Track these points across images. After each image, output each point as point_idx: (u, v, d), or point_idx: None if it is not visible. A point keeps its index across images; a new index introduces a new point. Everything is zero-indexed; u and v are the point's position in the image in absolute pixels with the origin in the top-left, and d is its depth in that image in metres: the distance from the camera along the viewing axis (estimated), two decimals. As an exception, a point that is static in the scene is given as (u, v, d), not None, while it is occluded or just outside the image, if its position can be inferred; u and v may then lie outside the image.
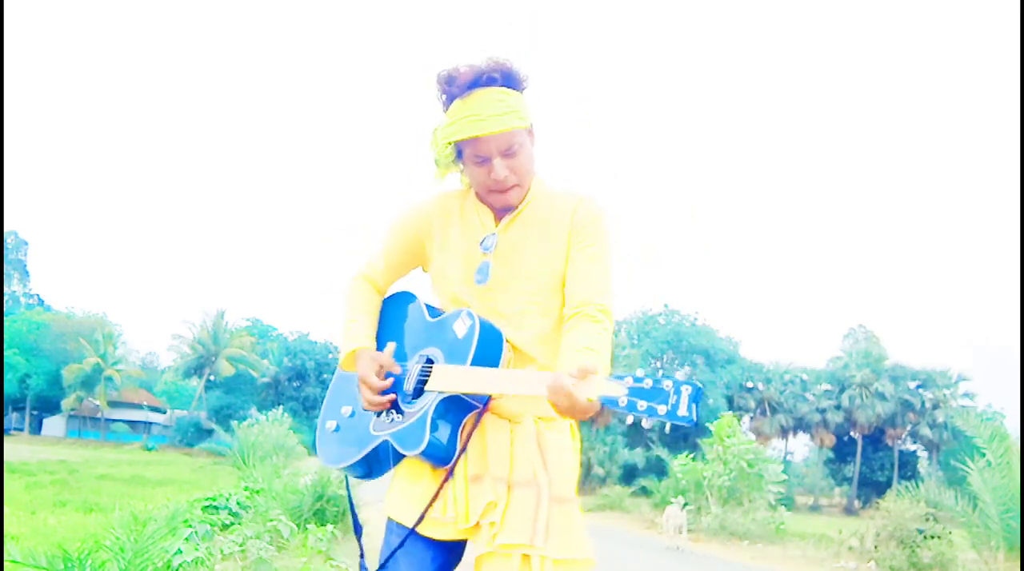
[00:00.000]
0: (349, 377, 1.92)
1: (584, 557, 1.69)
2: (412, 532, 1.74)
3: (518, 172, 1.77)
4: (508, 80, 1.76)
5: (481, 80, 1.73)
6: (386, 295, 2.00)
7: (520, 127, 1.76)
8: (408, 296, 2.00)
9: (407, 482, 1.79)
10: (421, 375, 1.79)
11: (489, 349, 1.74)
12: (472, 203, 1.88)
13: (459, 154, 1.83)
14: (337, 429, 1.93)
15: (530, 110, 1.82)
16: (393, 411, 1.80)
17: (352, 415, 1.90)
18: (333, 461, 1.91)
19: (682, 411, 1.40)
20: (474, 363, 1.70)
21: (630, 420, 1.49)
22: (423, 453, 1.70)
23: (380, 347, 1.88)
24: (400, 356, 1.87)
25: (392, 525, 1.79)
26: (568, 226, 1.82)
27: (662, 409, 1.40)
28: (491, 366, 1.72)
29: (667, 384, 1.42)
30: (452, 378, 1.72)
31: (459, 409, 1.76)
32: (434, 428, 1.70)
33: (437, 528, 1.73)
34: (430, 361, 1.80)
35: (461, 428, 1.76)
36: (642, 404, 1.42)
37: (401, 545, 1.76)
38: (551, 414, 1.69)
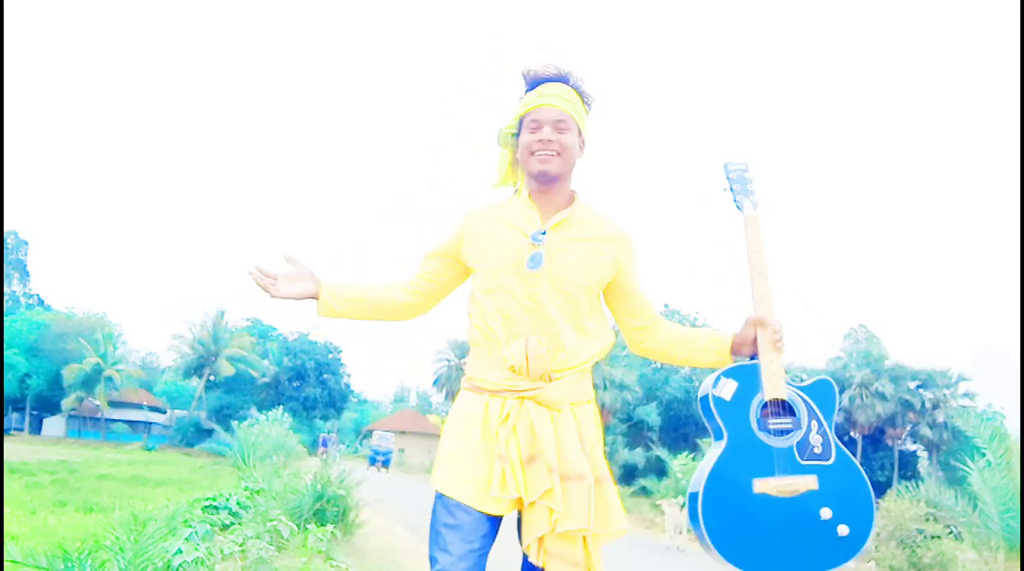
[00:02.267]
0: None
1: (620, 528, 2.00)
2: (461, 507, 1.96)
3: (562, 144, 2.07)
4: (578, 88, 2.14)
5: (556, 77, 2.13)
6: (415, 304, 2.25)
7: (574, 116, 2.10)
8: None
9: (459, 464, 1.99)
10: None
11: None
12: (520, 204, 2.14)
13: (518, 135, 2.15)
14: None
15: (587, 128, 2.16)
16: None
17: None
18: None
19: None
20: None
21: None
22: None
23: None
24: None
25: (447, 501, 1.98)
26: (614, 245, 2.13)
27: None
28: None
29: None
30: (772, 379, 2.14)
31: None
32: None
33: (494, 504, 1.94)
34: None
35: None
36: None
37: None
38: (580, 399, 2.05)
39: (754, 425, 2.09)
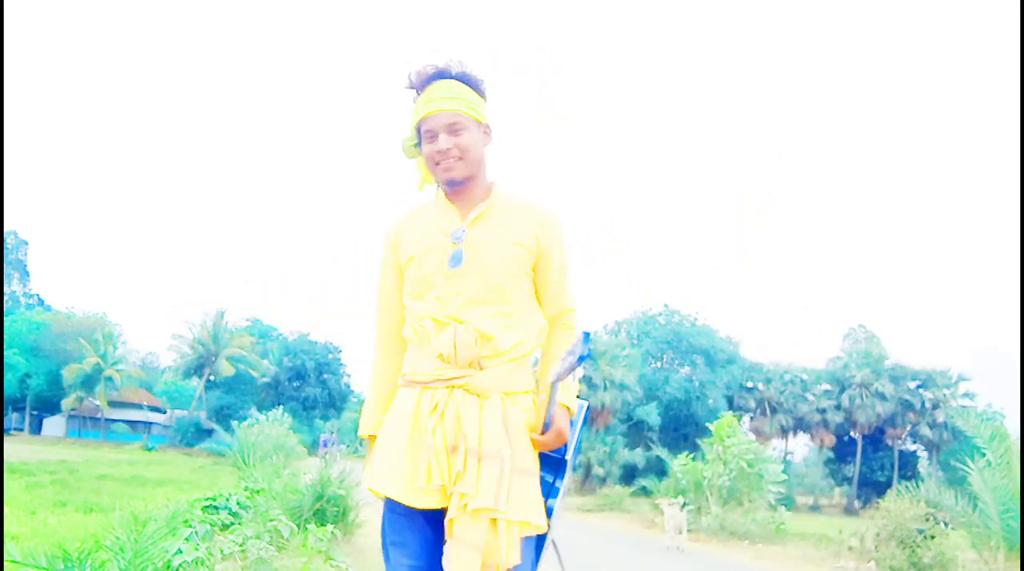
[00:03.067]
0: None
1: (538, 523, 1.94)
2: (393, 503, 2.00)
3: (461, 148, 2.06)
4: (464, 78, 2.10)
5: (437, 75, 2.08)
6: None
7: (465, 112, 2.07)
8: None
9: (388, 459, 2.01)
10: None
11: None
12: (440, 204, 2.14)
13: (420, 144, 2.14)
14: None
15: (488, 112, 2.14)
16: None
17: None
18: None
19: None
20: None
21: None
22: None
23: None
24: None
25: (392, 505, 2.01)
26: (535, 232, 2.10)
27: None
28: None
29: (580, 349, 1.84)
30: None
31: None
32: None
33: (423, 496, 1.93)
34: None
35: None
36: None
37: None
38: (515, 389, 2.05)
39: None
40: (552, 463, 2.15)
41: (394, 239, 2.17)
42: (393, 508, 2.01)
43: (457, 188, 2.11)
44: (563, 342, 2.15)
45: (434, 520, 1.98)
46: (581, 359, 1.85)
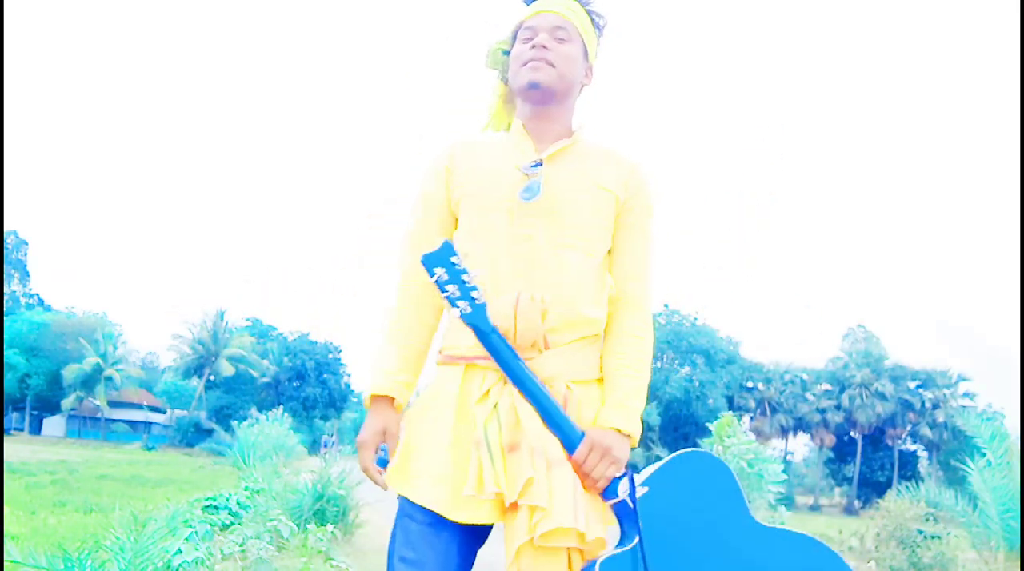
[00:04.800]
0: None
1: (600, 536, 1.50)
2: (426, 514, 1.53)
3: (560, 55, 1.68)
4: (587, 5, 1.77)
5: None
6: None
7: (578, 27, 1.72)
8: None
9: (425, 459, 1.56)
10: None
11: None
12: (513, 136, 1.74)
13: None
14: None
15: (596, 50, 1.79)
16: None
17: None
18: None
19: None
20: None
21: None
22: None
23: None
24: None
25: (411, 508, 1.55)
26: (623, 182, 1.70)
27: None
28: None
29: None
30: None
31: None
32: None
33: (471, 510, 1.49)
34: None
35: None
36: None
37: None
38: (584, 376, 1.62)
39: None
40: (623, 516, 1.53)
41: (447, 162, 1.72)
42: (413, 515, 1.54)
43: (538, 108, 1.70)
44: (628, 335, 1.65)
45: (465, 538, 1.54)
46: None
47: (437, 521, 1.52)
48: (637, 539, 1.48)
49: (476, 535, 1.56)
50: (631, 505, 1.50)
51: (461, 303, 1.51)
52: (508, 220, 1.62)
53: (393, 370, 1.65)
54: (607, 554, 1.49)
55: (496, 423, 1.53)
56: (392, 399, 1.64)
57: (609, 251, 1.70)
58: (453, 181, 1.71)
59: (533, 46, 1.67)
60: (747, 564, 1.51)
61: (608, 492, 1.54)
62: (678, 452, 1.58)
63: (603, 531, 1.50)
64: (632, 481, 1.53)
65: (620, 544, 1.51)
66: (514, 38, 1.76)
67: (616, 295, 1.69)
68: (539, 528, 1.43)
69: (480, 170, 1.69)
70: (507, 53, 1.78)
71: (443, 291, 1.50)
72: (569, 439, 1.52)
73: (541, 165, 1.64)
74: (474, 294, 1.53)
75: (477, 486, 1.47)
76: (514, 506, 1.47)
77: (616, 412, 1.59)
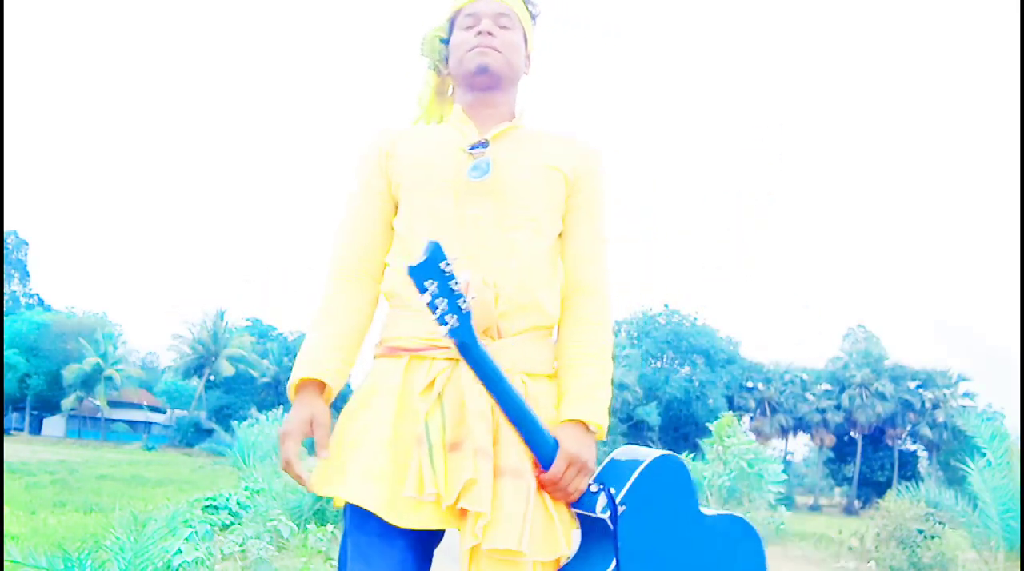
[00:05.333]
0: None
1: (563, 552, 1.41)
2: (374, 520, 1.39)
3: (506, 42, 1.60)
4: None
5: None
6: (376, 252, 1.59)
7: (519, 16, 1.64)
8: None
9: (361, 456, 1.42)
10: None
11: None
12: (453, 119, 1.63)
13: (447, 41, 1.68)
14: None
15: (532, 39, 1.70)
16: None
17: None
18: None
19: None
20: None
21: None
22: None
23: None
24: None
25: (359, 520, 1.42)
26: (572, 164, 1.60)
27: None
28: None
29: None
30: None
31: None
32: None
33: (413, 513, 1.36)
34: None
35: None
36: None
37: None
38: (538, 369, 1.50)
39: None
40: (591, 529, 1.46)
41: (386, 145, 1.61)
42: (361, 525, 1.42)
43: (483, 95, 1.61)
44: (581, 334, 1.54)
45: (419, 540, 1.42)
46: None
47: (387, 530, 1.38)
48: (615, 563, 1.39)
49: (430, 540, 1.45)
50: (611, 527, 1.41)
51: (449, 318, 1.33)
52: (454, 201, 1.51)
53: (322, 356, 1.50)
54: None
55: (439, 417, 1.40)
56: (322, 386, 1.49)
57: (560, 235, 1.59)
58: (392, 167, 1.60)
59: (479, 32, 1.59)
60: (697, 555, 1.51)
61: (583, 504, 1.45)
62: (647, 461, 1.48)
63: (564, 548, 1.40)
64: (612, 499, 1.42)
65: (591, 564, 1.42)
66: (451, 25, 1.67)
67: (570, 281, 1.57)
68: (486, 541, 1.33)
69: (421, 153, 1.58)
70: (445, 41, 1.69)
71: (432, 309, 1.33)
72: (545, 455, 1.41)
73: (487, 146, 1.55)
74: (461, 303, 1.34)
75: (417, 487, 1.35)
76: (464, 511, 1.36)
77: (583, 404, 1.48)
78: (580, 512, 1.46)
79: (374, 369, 1.53)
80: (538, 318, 1.50)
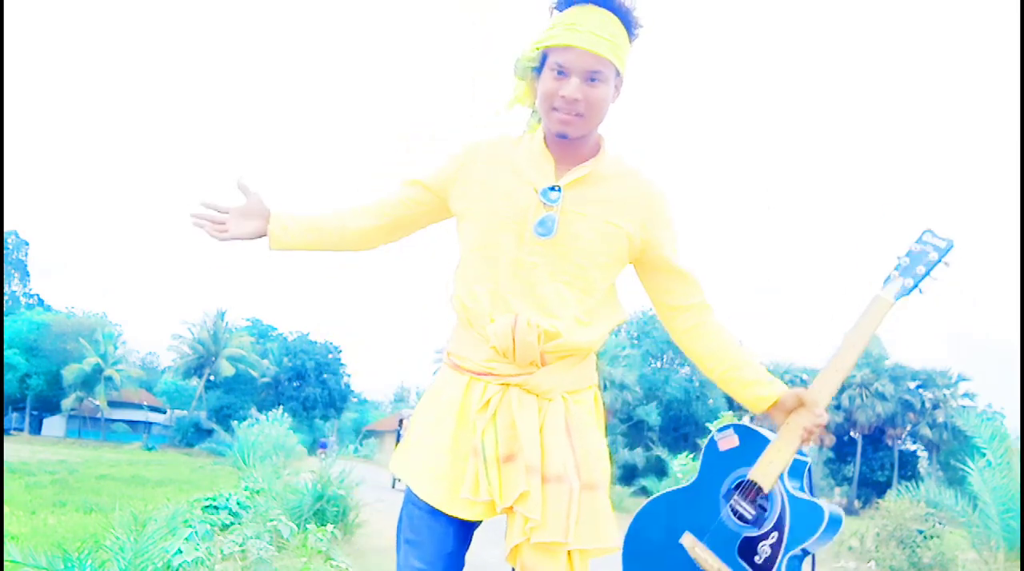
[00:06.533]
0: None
1: (608, 546, 1.67)
2: (434, 511, 1.71)
3: (590, 103, 1.65)
4: (624, 15, 1.68)
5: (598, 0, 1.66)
6: (395, 210, 1.86)
7: (611, 61, 1.65)
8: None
9: (428, 456, 1.71)
10: (741, 495, 1.88)
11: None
12: (533, 148, 1.74)
13: (541, 67, 1.71)
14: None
15: (626, 61, 1.71)
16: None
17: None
18: None
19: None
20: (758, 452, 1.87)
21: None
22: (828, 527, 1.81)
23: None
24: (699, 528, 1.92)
25: (414, 496, 1.72)
26: (644, 215, 1.74)
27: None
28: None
29: None
30: (767, 465, 1.84)
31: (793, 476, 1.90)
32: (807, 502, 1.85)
33: (467, 508, 1.65)
34: (737, 483, 1.90)
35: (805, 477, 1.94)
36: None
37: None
38: (577, 386, 1.74)
39: (724, 488, 1.92)
40: (792, 471, 1.87)
41: (467, 161, 1.77)
42: (416, 502, 1.71)
43: (563, 140, 1.71)
44: (723, 331, 1.84)
45: (461, 527, 1.71)
46: (942, 256, 1.82)
47: (437, 511, 1.68)
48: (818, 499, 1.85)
49: (470, 526, 1.73)
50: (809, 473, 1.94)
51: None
52: (517, 244, 1.68)
53: (293, 223, 1.84)
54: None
55: (493, 434, 1.65)
56: (271, 217, 1.83)
57: (648, 267, 1.82)
58: (459, 185, 1.76)
59: (563, 96, 1.64)
60: None
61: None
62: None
63: (611, 542, 1.67)
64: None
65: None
66: (542, 59, 1.69)
67: (690, 304, 1.83)
68: (534, 537, 1.59)
69: (493, 185, 1.72)
70: (537, 70, 1.72)
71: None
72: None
73: (559, 191, 1.68)
74: None
75: (473, 490, 1.63)
76: (510, 511, 1.63)
77: (776, 384, 1.84)
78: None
79: (442, 374, 1.80)
80: (575, 350, 1.71)
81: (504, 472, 1.63)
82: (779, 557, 1.80)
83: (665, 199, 1.78)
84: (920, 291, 1.95)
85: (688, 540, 1.89)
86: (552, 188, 1.68)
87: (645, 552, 1.97)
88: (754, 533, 1.85)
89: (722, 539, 1.87)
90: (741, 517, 1.86)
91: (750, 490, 1.85)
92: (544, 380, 1.68)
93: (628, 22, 1.68)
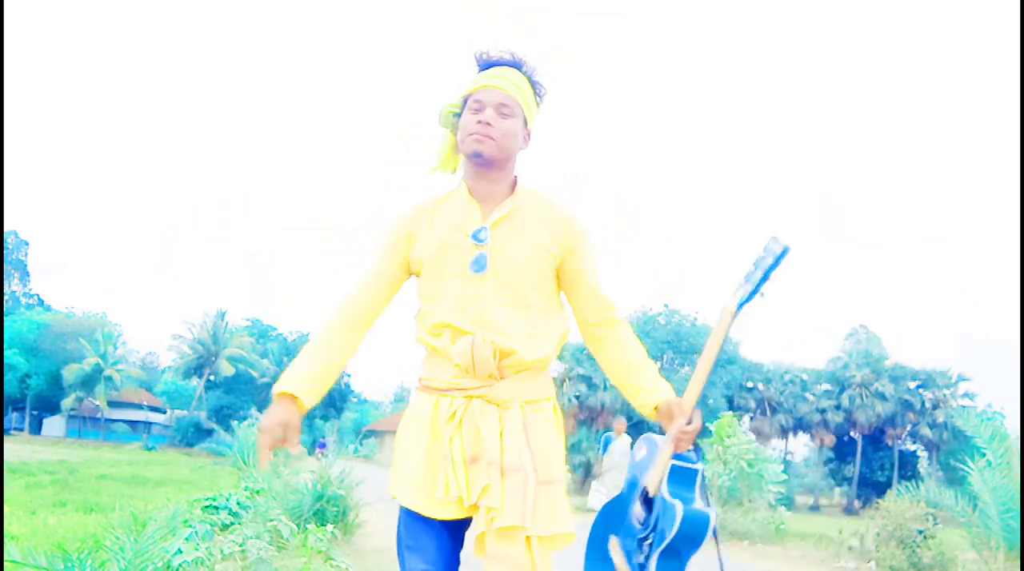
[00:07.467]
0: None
1: (565, 531, 1.90)
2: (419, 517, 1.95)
3: (502, 131, 1.98)
4: (531, 77, 2.06)
5: (509, 63, 2.05)
6: (375, 309, 2.09)
7: (520, 101, 2.01)
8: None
9: (408, 468, 1.97)
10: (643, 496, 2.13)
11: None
12: (460, 198, 2.04)
13: (460, 114, 2.06)
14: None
15: (535, 118, 2.08)
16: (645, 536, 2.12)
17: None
18: None
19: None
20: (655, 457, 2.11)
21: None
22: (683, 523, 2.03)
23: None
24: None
25: (405, 515, 1.97)
26: (561, 237, 2.02)
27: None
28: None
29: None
30: (651, 471, 2.10)
31: (680, 482, 2.11)
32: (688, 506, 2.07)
33: (442, 508, 1.89)
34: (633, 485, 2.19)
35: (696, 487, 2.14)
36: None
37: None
38: (535, 396, 1.99)
39: (635, 494, 2.18)
40: (682, 476, 2.11)
41: (410, 228, 2.06)
42: (410, 514, 1.96)
43: (481, 170, 2.02)
44: (629, 342, 2.10)
45: (452, 526, 1.96)
46: (778, 260, 1.90)
47: (429, 520, 1.93)
48: (706, 503, 2.06)
49: (460, 525, 1.97)
50: (702, 475, 2.14)
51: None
52: (461, 285, 1.97)
53: (304, 377, 1.99)
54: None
55: (460, 440, 1.90)
56: (297, 400, 1.98)
57: (568, 284, 2.08)
58: (414, 246, 2.04)
59: (479, 121, 1.97)
60: None
61: (684, 456, 2.12)
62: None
63: (565, 527, 1.90)
64: (699, 450, 2.15)
65: (686, 501, 2.06)
66: (463, 103, 2.05)
67: (595, 308, 2.09)
68: (495, 522, 1.83)
69: (436, 238, 2.01)
70: (458, 116, 2.06)
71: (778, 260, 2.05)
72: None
73: (487, 231, 1.98)
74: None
75: (444, 491, 1.87)
76: (475, 507, 1.87)
77: (667, 389, 2.06)
78: (678, 464, 2.09)
79: (415, 399, 2.07)
80: (527, 364, 1.95)
81: (470, 472, 1.88)
82: (652, 556, 2.05)
83: (577, 221, 2.07)
84: (762, 295, 2.07)
85: (612, 543, 2.17)
86: (481, 229, 1.99)
87: (599, 554, 2.22)
88: (643, 534, 2.10)
89: (628, 541, 2.14)
90: (638, 519, 2.13)
91: (644, 495, 2.12)
92: (503, 391, 1.94)
93: (535, 85, 2.06)
